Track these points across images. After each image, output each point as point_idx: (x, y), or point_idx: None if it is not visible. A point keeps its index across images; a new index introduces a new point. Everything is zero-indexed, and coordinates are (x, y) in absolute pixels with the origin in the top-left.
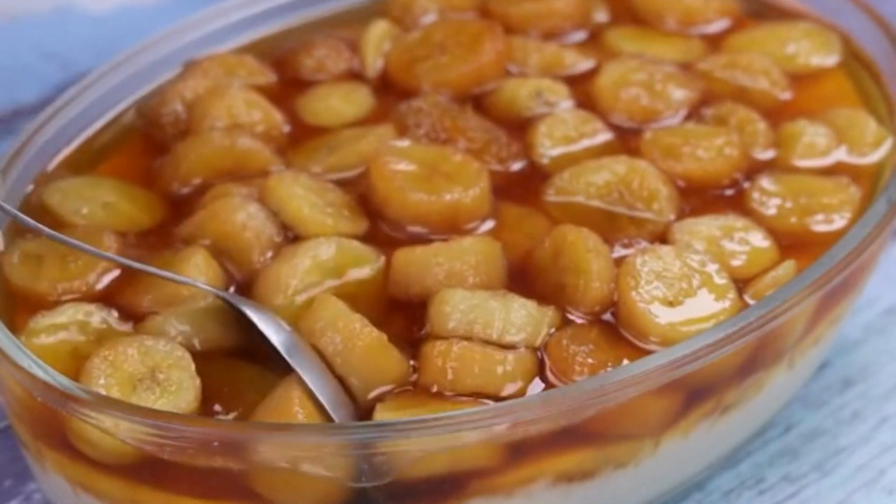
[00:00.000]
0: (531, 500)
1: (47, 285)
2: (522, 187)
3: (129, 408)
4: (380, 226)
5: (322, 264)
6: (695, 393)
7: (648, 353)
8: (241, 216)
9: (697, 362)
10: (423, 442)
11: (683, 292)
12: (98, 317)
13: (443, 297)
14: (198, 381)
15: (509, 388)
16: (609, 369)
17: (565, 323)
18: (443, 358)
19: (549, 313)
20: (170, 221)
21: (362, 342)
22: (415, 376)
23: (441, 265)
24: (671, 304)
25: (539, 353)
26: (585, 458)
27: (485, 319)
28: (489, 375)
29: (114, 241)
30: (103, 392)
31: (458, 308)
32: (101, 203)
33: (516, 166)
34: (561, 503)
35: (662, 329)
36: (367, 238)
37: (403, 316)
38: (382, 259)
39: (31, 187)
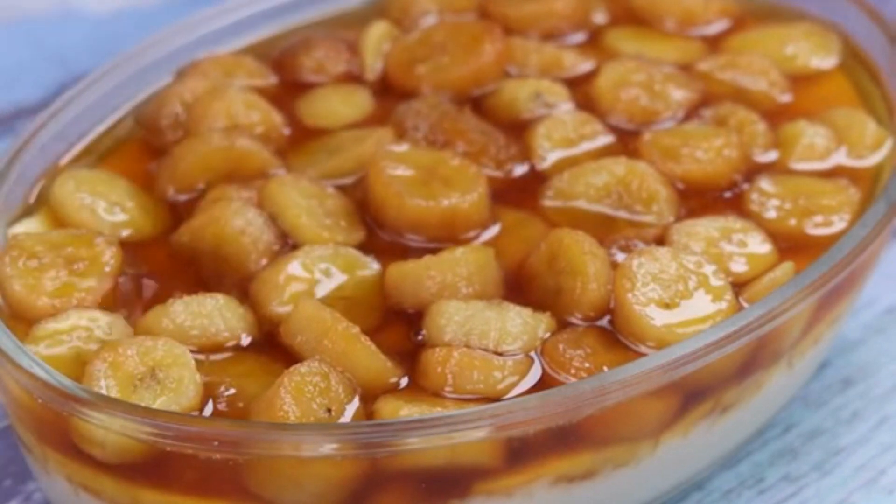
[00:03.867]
0: (531, 500)
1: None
2: (521, 191)
3: (128, 407)
4: (378, 234)
5: (318, 270)
6: (693, 393)
7: (644, 356)
8: (240, 222)
9: (696, 363)
10: (423, 442)
11: (680, 294)
12: (102, 321)
13: (438, 308)
14: (199, 377)
15: (507, 392)
16: (607, 370)
17: (562, 327)
18: (442, 364)
19: (545, 320)
20: (171, 230)
21: (334, 334)
22: (405, 379)
23: (433, 278)
24: (667, 306)
25: (536, 358)
26: (585, 458)
27: (481, 330)
28: (488, 380)
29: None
30: (104, 392)
31: (453, 319)
32: (110, 203)
33: (515, 169)
34: (561, 503)
35: (658, 331)
36: (365, 246)
37: (402, 323)
38: (377, 266)
39: (29, 189)
